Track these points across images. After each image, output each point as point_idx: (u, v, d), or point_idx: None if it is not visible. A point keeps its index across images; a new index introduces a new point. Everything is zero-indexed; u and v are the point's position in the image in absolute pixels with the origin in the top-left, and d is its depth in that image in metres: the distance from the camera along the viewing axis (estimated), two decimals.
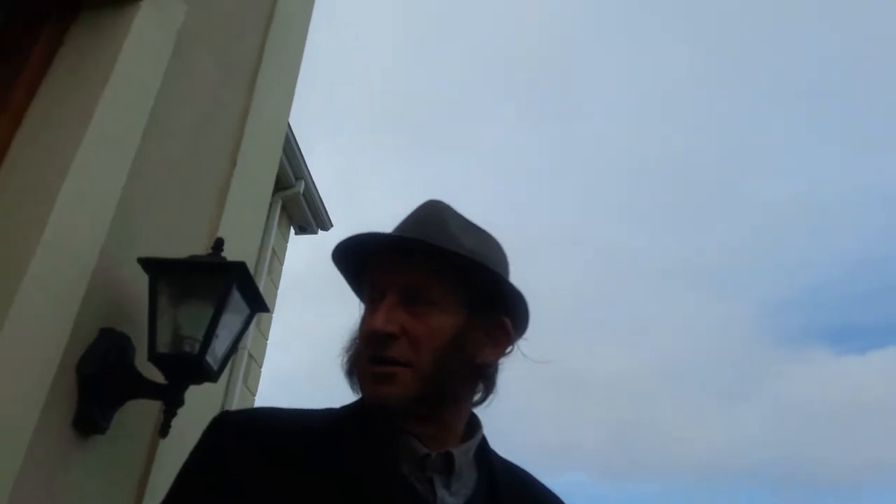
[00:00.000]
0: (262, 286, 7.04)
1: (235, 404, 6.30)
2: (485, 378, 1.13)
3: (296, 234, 8.33)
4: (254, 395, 7.11)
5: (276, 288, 7.79)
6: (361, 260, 1.13)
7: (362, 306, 1.14)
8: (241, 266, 1.78)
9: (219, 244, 1.89)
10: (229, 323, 1.81)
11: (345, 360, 1.12)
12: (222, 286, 1.75)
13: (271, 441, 1.03)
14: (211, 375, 1.79)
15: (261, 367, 7.45)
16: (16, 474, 1.51)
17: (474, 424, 1.14)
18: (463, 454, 1.07)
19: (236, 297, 1.79)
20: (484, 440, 1.14)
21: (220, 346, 1.79)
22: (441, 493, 1.03)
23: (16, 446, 1.52)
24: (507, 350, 1.13)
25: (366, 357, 1.06)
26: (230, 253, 1.90)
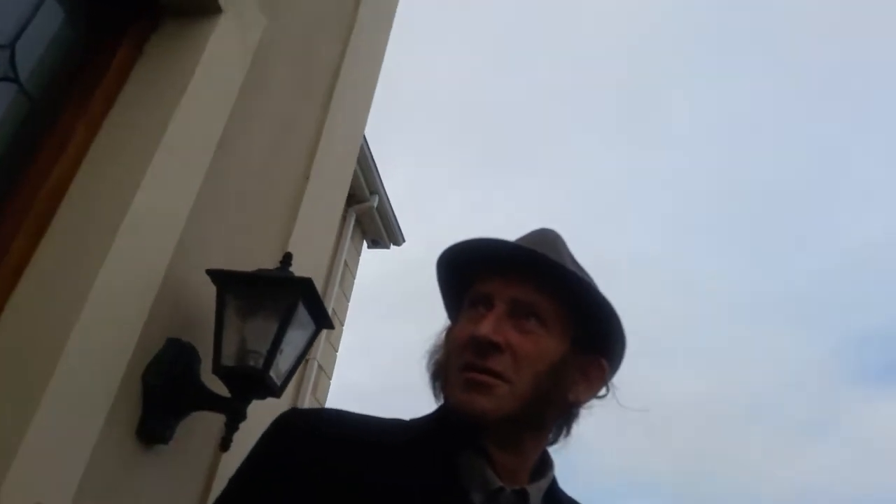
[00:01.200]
0: (333, 298, 7.10)
1: None
2: (568, 418, 1.07)
3: (368, 247, 8.39)
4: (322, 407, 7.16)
5: (348, 301, 7.86)
6: (468, 267, 1.07)
7: (458, 316, 1.08)
8: (307, 282, 1.76)
9: (287, 259, 1.88)
10: (294, 339, 1.79)
11: (431, 362, 1.06)
12: (288, 301, 1.73)
13: (338, 447, 0.96)
14: (274, 391, 1.77)
15: (330, 378, 7.51)
16: (78, 480, 1.52)
17: (546, 461, 1.07)
18: (537, 492, 1.01)
19: (302, 313, 1.77)
20: (554, 479, 1.07)
21: (284, 361, 1.77)
22: None
23: (80, 452, 1.53)
24: (599, 393, 1.07)
25: (461, 363, 0.99)
26: (299, 267, 1.89)
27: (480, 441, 0.98)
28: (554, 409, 1.02)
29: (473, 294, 1.05)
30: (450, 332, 1.08)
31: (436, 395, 1.05)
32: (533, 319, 1.00)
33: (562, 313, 1.01)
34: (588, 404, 1.06)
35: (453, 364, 1.01)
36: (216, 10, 1.92)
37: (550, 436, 1.06)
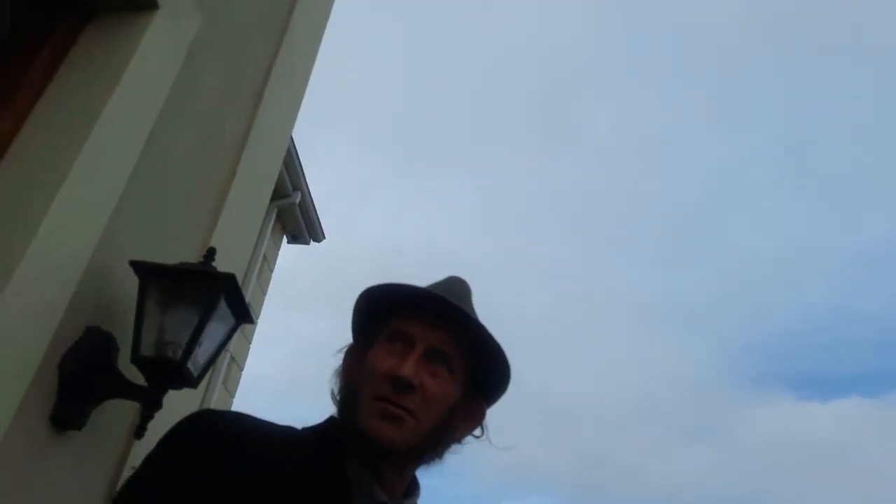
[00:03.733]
0: (250, 292, 7.06)
1: (213, 405, 6.29)
2: (447, 449, 1.21)
3: (288, 242, 8.35)
4: (232, 398, 7.11)
5: (264, 294, 7.81)
6: (391, 305, 1.19)
7: (371, 343, 1.19)
8: (230, 277, 1.81)
9: (211, 253, 1.93)
10: (214, 332, 1.84)
11: (342, 385, 1.19)
12: (210, 295, 1.78)
13: (246, 449, 1.05)
14: (191, 381, 1.81)
15: (242, 370, 7.46)
16: None
17: (415, 482, 1.21)
18: None
19: (223, 308, 1.82)
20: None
21: (202, 353, 1.82)
22: None
23: None
24: (475, 433, 1.23)
25: (378, 392, 1.11)
26: (222, 262, 1.94)
27: (376, 461, 1.11)
28: (442, 443, 1.18)
29: (395, 330, 1.17)
30: (358, 356, 1.21)
31: (342, 413, 1.16)
32: (444, 366, 1.14)
33: (465, 362, 1.16)
34: (464, 440, 1.22)
35: (368, 391, 1.13)
36: (152, 5, 1.95)
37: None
